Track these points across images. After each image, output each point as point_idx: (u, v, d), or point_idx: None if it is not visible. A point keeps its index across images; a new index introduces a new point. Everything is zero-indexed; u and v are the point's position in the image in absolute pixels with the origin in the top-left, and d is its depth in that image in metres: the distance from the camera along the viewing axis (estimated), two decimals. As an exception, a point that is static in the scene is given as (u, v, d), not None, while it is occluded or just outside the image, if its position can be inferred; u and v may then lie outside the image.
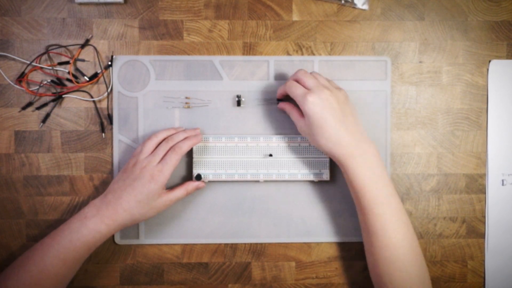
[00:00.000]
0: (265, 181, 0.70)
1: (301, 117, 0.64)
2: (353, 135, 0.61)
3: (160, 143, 0.65)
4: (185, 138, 0.65)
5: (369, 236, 0.62)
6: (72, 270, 0.61)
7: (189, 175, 0.69)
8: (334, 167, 0.70)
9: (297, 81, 0.64)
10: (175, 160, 0.63)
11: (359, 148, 0.61)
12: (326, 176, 0.69)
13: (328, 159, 0.69)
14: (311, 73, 0.65)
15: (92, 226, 0.60)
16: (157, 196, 0.62)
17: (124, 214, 0.61)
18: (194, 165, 0.68)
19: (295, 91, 0.62)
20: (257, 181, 0.70)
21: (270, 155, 0.69)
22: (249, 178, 0.69)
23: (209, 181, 0.69)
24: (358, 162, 0.61)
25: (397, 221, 0.61)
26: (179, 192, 0.65)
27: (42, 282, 0.58)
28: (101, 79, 0.69)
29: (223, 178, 0.68)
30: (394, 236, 0.60)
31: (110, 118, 0.69)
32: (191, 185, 0.67)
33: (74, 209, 0.69)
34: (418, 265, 0.61)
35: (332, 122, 0.60)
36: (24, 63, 0.68)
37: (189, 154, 0.69)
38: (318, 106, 0.60)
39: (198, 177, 0.68)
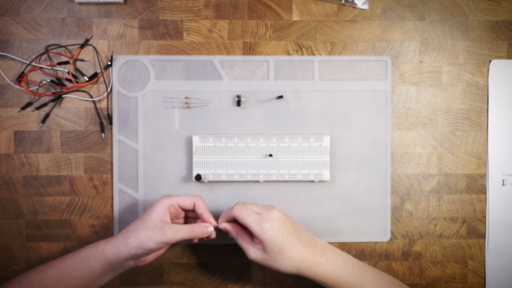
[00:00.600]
0: (266, 182, 0.69)
1: (253, 242, 0.61)
2: (309, 244, 0.61)
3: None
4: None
5: None
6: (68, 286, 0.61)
7: (189, 175, 0.69)
8: (334, 167, 0.70)
9: (238, 216, 0.61)
10: (186, 197, 0.63)
11: (317, 253, 0.61)
12: (326, 176, 0.69)
13: (328, 160, 0.69)
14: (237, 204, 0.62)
15: (96, 242, 0.62)
16: (156, 216, 0.60)
17: (122, 230, 0.62)
18: (194, 165, 0.68)
19: (249, 217, 0.60)
20: (257, 181, 0.69)
21: (270, 155, 0.68)
22: (249, 178, 0.68)
23: (209, 181, 0.69)
24: (323, 265, 0.61)
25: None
26: (182, 228, 0.60)
27: None
28: (101, 79, 0.69)
29: (223, 178, 0.68)
30: None
31: (109, 118, 0.69)
32: (198, 229, 0.61)
33: (74, 209, 0.69)
34: None
35: (292, 241, 0.60)
36: (23, 63, 0.68)
37: (189, 154, 0.69)
38: (277, 231, 0.59)
39: (198, 177, 0.68)
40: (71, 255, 0.62)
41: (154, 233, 0.59)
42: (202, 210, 0.63)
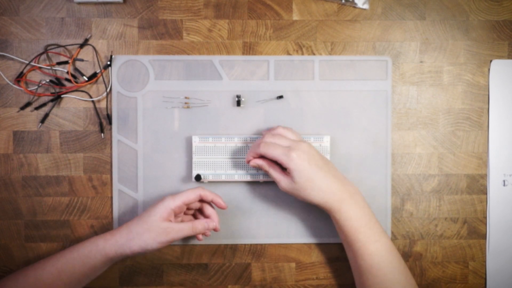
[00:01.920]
0: (266, 182, 0.69)
1: (283, 174, 0.63)
2: (339, 180, 0.63)
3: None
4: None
5: (362, 275, 0.62)
6: (67, 285, 0.61)
7: (188, 175, 0.69)
8: (335, 167, 0.70)
9: (269, 143, 0.63)
10: (189, 194, 0.62)
11: (347, 191, 0.62)
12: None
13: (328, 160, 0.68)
14: (275, 129, 0.65)
15: (94, 239, 0.62)
16: (159, 218, 0.60)
17: (122, 230, 0.61)
18: (193, 165, 0.68)
19: (274, 151, 0.62)
20: (257, 182, 0.69)
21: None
22: (249, 178, 0.68)
23: (209, 182, 0.69)
24: (350, 204, 0.62)
25: (391, 258, 0.61)
26: (183, 226, 0.61)
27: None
28: (100, 79, 0.69)
29: (223, 178, 0.68)
30: (390, 272, 0.61)
31: (109, 118, 0.69)
32: (199, 225, 0.63)
33: (73, 210, 0.69)
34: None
35: (320, 172, 0.61)
36: (22, 63, 0.68)
37: (189, 154, 0.69)
38: (305, 160, 0.61)
39: (198, 177, 0.67)
40: (68, 252, 0.62)
41: (157, 235, 0.60)
42: (211, 197, 0.64)
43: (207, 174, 0.68)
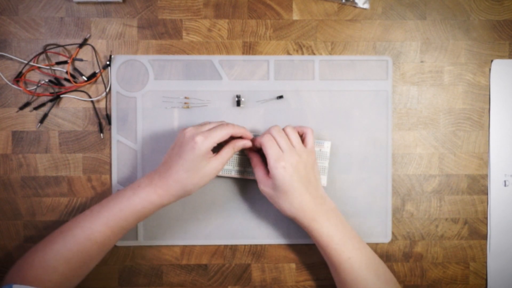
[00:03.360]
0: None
1: (267, 176, 0.63)
2: (315, 200, 0.63)
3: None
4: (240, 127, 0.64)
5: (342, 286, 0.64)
6: (118, 238, 0.62)
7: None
8: (334, 167, 0.69)
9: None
10: (223, 132, 0.61)
11: (320, 210, 0.63)
12: (323, 182, 0.68)
13: (327, 166, 0.68)
14: (285, 128, 0.64)
15: (144, 195, 0.60)
16: (205, 162, 0.60)
17: (175, 185, 0.60)
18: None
19: (269, 150, 0.62)
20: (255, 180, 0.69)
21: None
22: (246, 176, 0.68)
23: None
24: (321, 223, 0.63)
25: (366, 274, 0.62)
26: (226, 151, 0.62)
27: (88, 249, 0.59)
28: (100, 79, 0.68)
29: (221, 174, 0.68)
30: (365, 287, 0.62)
31: (108, 118, 0.68)
32: (238, 143, 0.63)
33: (72, 210, 0.69)
34: None
35: (298, 189, 0.62)
36: (21, 62, 0.68)
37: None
38: (288, 173, 0.61)
39: None
40: (117, 208, 0.60)
41: (211, 175, 0.61)
42: (240, 133, 0.63)
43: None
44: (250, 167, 0.68)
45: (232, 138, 0.64)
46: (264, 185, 0.63)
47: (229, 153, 0.63)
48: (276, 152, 0.62)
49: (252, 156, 0.66)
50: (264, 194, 0.64)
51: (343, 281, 0.62)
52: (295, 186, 0.62)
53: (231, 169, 0.68)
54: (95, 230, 0.59)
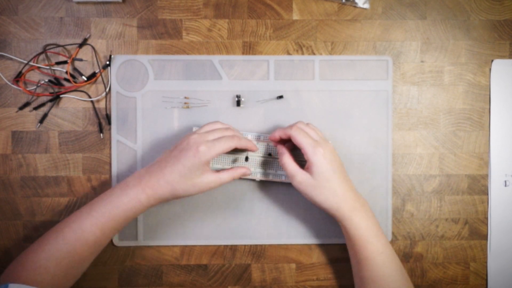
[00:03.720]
0: (266, 182, 0.69)
1: (301, 168, 0.62)
2: (353, 190, 0.63)
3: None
4: (245, 138, 0.64)
5: (365, 284, 0.62)
6: (109, 238, 0.61)
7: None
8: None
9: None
10: (226, 145, 0.61)
11: (358, 201, 0.63)
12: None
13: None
14: (308, 123, 0.65)
15: (133, 194, 0.60)
16: (201, 173, 0.60)
17: (166, 186, 0.60)
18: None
19: (304, 138, 0.61)
20: (256, 181, 0.69)
21: (270, 154, 0.68)
22: (247, 176, 0.68)
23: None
24: (361, 214, 0.62)
25: (394, 269, 0.62)
26: (225, 175, 0.62)
27: (79, 250, 0.59)
28: (99, 79, 0.68)
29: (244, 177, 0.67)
30: (392, 282, 0.61)
31: (108, 118, 0.68)
32: (238, 171, 0.63)
33: (72, 211, 0.69)
34: None
35: (340, 177, 0.62)
36: (21, 62, 0.68)
37: (188, 154, 0.68)
38: (328, 159, 0.61)
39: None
40: (106, 209, 0.59)
41: (201, 189, 0.61)
42: (244, 145, 0.63)
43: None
44: (251, 168, 0.68)
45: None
46: (301, 177, 0.61)
47: (228, 178, 0.62)
48: (312, 141, 0.61)
49: (282, 150, 0.64)
50: (299, 189, 0.62)
51: (370, 277, 0.61)
52: (336, 174, 0.61)
53: (256, 171, 0.68)
54: (85, 230, 0.59)
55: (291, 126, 0.63)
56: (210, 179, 0.61)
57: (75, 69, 0.68)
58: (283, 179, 0.68)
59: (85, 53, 0.69)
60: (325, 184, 0.61)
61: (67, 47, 0.68)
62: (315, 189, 0.61)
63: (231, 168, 0.64)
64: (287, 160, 0.63)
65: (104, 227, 0.59)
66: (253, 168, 0.68)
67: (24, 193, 0.68)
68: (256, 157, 0.68)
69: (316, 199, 0.62)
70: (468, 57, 0.70)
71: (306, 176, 0.61)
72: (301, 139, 0.61)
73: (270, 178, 0.68)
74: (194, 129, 0.66)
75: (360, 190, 0.69)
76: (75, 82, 0.68)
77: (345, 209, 0.62)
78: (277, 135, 0.64)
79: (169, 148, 0.66)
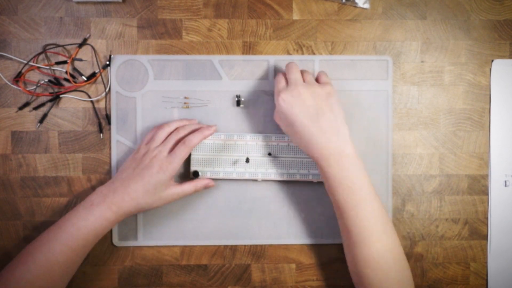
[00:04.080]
0: (265, 182, 0.69)
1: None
2: (325, 134, 0.60)
3: (171, 132, 0.65)
4: (197, 130, 0.65)
5: (348, 236, 0.61)
6: (81, 257, 0.61)
7: (186, 172, 0.68)
8: (335, 168, 0.69)
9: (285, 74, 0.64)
10: (184, 153, 0.62)
11: (330, 148, 0.59)
12: (326, 177, 0.68)
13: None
14: (302, 70, 0.65)
15: (99, 213, 0.60)
16: (165, 187, 0.62)
17: (131, 202, 0.61)
18: (191, 162, 0.67)
19: (276, 86, 0.63)
20: (256, 181, 0.69)
21: (269, 154, 0.68)
22: (247, 177, 0.68)
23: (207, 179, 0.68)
24: (330, 163, 0.59)
25: (375, 223, 0.59)
26: (188, 187, 0.65)
27: (51, 272, 0.58)
28: (99, 79, 0.68)
29: (221, 176, 0.68)
30: (374, 238, 0.59)
31: (108, 118, 0.68)
32: (201, 182, 0.66)
33: (72, 211, 0.69)
34: (398, 266, 0.60)
35: (302, 120, 0.60)
36: (21, 62, 0.68)
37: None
38: (288, 103, 0.61)
39: (196, 174, 0.67)
40: (74, 229, 0.59)
41: (166, 202, 0.64)
42: (201, 137, 0.64)
43: (205, 171, 0.68)
44: (250, 168, 0.68)
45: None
46: (275, 118, 0.65)
47: (190, 189, 0.65)
48: (280, 86, 0.62)
49: (279, 78, 0.65)
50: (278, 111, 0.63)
51: (348, 228, 0.60)
52: (298, 117, 0.60)
53: (232, 171, 0.68)
54: (55, 251, 0.58)
55: (290, 63, 0.64)
56: (173, 191, 0.63)
57: (75, 69, 0.68)
58: (284, 177, 0.68)
59: (85, 53, 0.68)
60: (290, 129, 0.62)
61: (67, 47, 0.68)
62: (289, 135, 0.64)
63: (193, 182, 0.65)
64: (278, 77, 0.64)
65: (75, 247, 0.59)
66: (254, 168, 0.68)
67: (24, 193, 0.68)
68: (256, 157, 0.68)
69: (293, 142, 0.64)
70: (468, 57, 0.70)
71: (277, 118, 0.64)
72: (274, 87, 0.63)
73: (272, 177, 0.68)
74: (148, 135, 0.66)
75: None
76: (75, 82, 0.68)
77: (314, 155, 0.60)
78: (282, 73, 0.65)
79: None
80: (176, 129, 0.65)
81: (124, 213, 0.61)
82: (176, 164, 0.62)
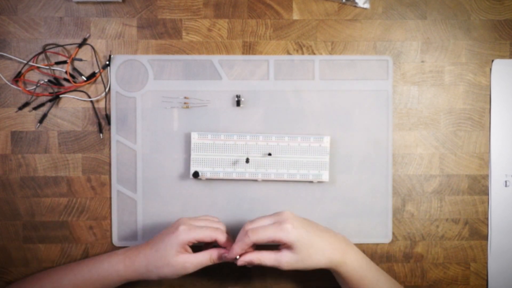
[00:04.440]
0: (265, 182, 0.69)
1: (280, 253, 0.59)
2: (330, 233, 0.62)
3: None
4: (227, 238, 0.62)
5: None
6: None
7: (186, 172, 0.68)
8: (335, 167, 0.69)
9: (250, 230, 0.59)
10: (207, 233, 0.60)
11: (342, 244, 0.62)
12: (325, 177, 0.68)
13: (327, 161, 0.68)
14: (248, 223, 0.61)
15: (114, 262, 0.62)
16: (175, 252, 0.60)
17: (142, 260, 0.61)
18: (192, 162, 0.67)
19: (266, 232, 0.58)
20: (256, 181, 0.69)
21: (269, 154, 0.68)
22: (247, 177, 0.68)
23: (207, 179, 0.68)
24: (351, 253, 0.62)
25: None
26: (203, 256, 0.61)
27: None
28: (99, 78, 0.68)
29: (221, 176, 0.68)
30: None
31: (108, 118, 0.68)
32: (216, 253, 0.61)
33: (72, 211, 0.68)
34: None
35: (315, 233, 0.60)
36: (20, 62, 0.68)
37: (188, 151, 0.68)
38: (299, 227, 0.59)
39: (196, 174, 0.67)
40: (87, 271, 0.62)
41: (176, 270, 0.60)
42: (224, 244, 0.61)
43: (205, 171, 0.68)
44: (250, 168, 0.68)
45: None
46: (286, 260, 0.59)
47: (205, 259, 0.61)
48: (272, 227, 0.59)
49: (251, 256, 0.60)
50: (290, 269, 0.59)
51: None
52: (314, 234, 0.60)
53: (232, 171, 0.68)
54: (63, 286, 0.62)
55: (244, 234, 0.59)
56: (185, 260, 0.60)
57: (74, 69, 0.68)
58: (284, 177, 0.68)
59: (84, 53, 0.68)
60: (311, 250, 0.59)
61: (66, 47, 0.68)
62: (304, 261, 0.59)
63: (210, 249, 0.61)
64: (263, 256, 0.59)
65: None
66: (254, 168, 0.68)
67: (23, 193, 0.68)
68: (256, 157, 0.68)
69: (311, 267, 0.60)
70: (469, 57, 0.70)
71: (290, 256, 0.59)
72: (265, 236, 0.58)
73: (272, 177, 0.68)
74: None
75: (360, 190, 0.69)
76: (75, 82, 0.68)
77: (337, 257, 0.60)
78: (238, 250, 0.60)
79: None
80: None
81: (134, 270, 0.61)
82: (193, 234, 0.59)
